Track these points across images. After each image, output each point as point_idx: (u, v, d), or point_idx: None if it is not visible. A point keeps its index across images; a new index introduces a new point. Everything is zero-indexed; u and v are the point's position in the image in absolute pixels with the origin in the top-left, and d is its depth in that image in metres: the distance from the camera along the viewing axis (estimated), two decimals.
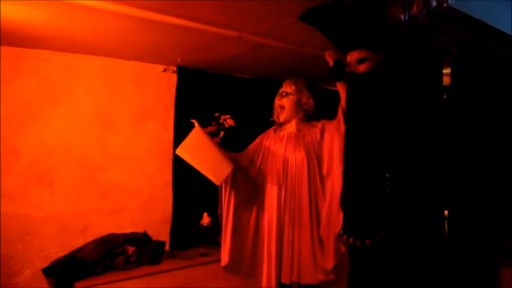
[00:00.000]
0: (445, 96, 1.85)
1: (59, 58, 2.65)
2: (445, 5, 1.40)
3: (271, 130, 2.39)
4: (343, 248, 1.96)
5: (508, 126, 2.21)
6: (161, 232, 2.98)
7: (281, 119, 2.30)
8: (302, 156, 2.16)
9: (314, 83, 3.83)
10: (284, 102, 2.28)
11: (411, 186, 1.73)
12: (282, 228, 2.16)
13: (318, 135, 2.18)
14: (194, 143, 2.03)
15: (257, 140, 2.40)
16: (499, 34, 1.69)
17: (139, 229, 2.85)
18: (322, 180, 2.14)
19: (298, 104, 2.27)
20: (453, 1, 1.40)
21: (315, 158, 2.16)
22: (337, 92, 2.04)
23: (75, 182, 2.70)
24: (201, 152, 2.04)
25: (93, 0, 1.81)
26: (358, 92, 1.69)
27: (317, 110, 2.33)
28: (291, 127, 2.28)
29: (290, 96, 2.27)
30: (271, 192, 2.22)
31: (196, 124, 2.09)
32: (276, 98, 2.33)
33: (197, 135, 2.04)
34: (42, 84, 2.60)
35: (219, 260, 2.29)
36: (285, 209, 2.16)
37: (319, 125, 2.21)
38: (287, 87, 2.29)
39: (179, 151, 2.03)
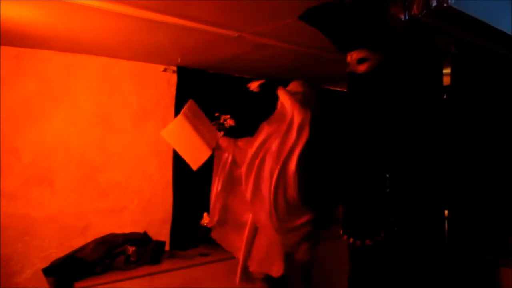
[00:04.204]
0: (445, 96, 1.85)
1: (59, 58, 2.65)
2: (445, 5, 1.40)
3: None
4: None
5: (508, 126, 2.21)
6: (161, 232, 2.98)
7: None
8: None
9: (314, 83, 3.84)
10: None
11: (411, 186, 1.73)
12: None
13: None
14: (176, 129, 2.18)
15: None
16: (499, 34, 1.69)
17: (139, 229, 2.85)
18: None
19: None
20: (453, 1, 1.40)
21: None
22: (337, 92, 2.04)
23: (75, 182, 2.69)
24: (181, 138, 2.19)
25: (93, 0, 1.81)
26: (358, 92, 1.69)
27: (319, 110, 2.34)
28: None
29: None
30: None
31: (183, 110, 2.21)
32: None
33: (179, 122, 2.18)
34: (42, 84, 2.59)
35: (219, 260, 2.29)
36: None
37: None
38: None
39: (163, 133, 2.23)
